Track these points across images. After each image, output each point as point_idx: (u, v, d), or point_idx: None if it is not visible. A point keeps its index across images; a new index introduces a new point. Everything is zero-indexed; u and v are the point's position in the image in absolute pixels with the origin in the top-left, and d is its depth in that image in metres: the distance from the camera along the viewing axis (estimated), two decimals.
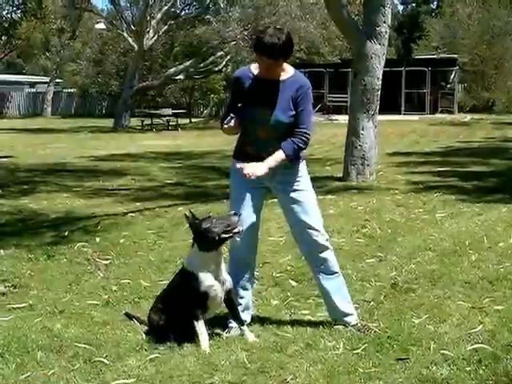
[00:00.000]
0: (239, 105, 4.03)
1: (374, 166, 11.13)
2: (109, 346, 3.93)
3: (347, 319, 4.17)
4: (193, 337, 3.89)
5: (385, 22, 10.73)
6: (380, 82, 10.86)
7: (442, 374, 3.50)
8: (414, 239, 6.63)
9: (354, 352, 3.79)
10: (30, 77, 49.81)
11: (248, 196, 4.11)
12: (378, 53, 10.75)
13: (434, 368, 3.57)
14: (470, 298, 4.75)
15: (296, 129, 4.00)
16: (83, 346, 3.91)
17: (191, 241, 3.99)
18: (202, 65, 29.98)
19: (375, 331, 4.10)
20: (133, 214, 8.21)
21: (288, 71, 4.01)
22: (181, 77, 29.64)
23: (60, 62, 42.74)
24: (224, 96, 36.74)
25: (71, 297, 4.94)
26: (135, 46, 28.01)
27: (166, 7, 28.69)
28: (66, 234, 7.09)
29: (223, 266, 4.00)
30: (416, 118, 28.31)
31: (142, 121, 26.55)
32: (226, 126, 4.01)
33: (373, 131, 10.94)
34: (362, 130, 10.83)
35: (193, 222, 3.93)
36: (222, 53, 29.69)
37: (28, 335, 4.09)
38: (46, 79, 44.59)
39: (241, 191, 4.12)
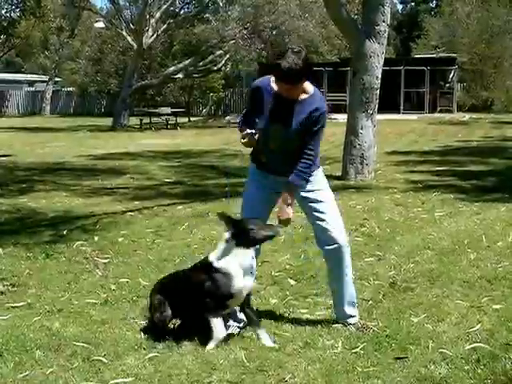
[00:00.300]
0: (255, 116, 4.07)
1: (373, 165, 11.13)
2: (107, 344, 3.93)
3: (349, 320, 4.21)
4: (200, 331, 3.88)
5: (384, 21, 10.74)
6: (379, 81, 10.86)
7: (440, 373, 3.50)
8: (413, 238, 6.63)
9: (353, 351, 3.79)
10: (28, 75, 49.77)
11: (260, 198, 4.19)
12: (377, 52, 10.75)
13: (433, 367, 3.57)
14: (469, 297, 4.75)
15: (304, 150, 4.02)
16: (82, 344, 3.91)
17: (226, 238, 3.94)
18: (201, 64, 29.95)
19: (374, 330, 4.10)
20: (131, 213, 8.21)
21: (308, 90, 3.99)
22: (180, 76, 29.63)
23: (59, 61, 42.75)
24: (223, 95, 36.78)
25: (70, 295, 4.93)
26: (134, 44, 27.98)
27: (165, 6, 28.68)
28: (65, 232, 7.09)
29: (254, 264, 4.02)
30: (415, 117, 28.33)
31: (141, 120, 26.53)
32: (245, 140, 4.07)
33: (372, 130, 10.95)
34: (361, 128, 10.84)
35: (235, 220, 3.97)
36: (221, 52, 29.67)
37: (26, 334, 4.09)
38: (45, 78, 44.59)
39: (254, 194, 4.22)
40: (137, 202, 9.02)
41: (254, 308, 4.20)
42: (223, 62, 30.37)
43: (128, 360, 3.71)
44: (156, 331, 4.02)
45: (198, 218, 7.85)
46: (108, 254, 6.17)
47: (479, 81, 33.23)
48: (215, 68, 30.94)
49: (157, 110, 28.12)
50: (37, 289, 5.11)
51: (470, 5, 35.08)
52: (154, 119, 27.09)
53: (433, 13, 50.13)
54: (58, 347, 3.89)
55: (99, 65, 37.19)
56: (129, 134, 24.09)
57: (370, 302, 4.68)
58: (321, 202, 4.14)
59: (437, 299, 4.74)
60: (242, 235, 3.88)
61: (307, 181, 4.09)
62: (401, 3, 60.45)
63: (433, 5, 56.82)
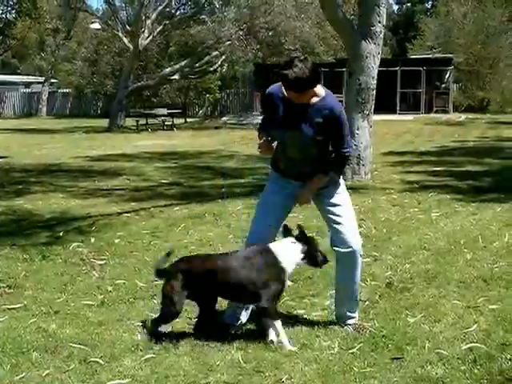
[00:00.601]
0: (270, 124, 4.11)
1: (369, 166, 11.14)
2: (104, 346, 3.92)
3: (349, 321, 4.23)
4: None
5: (380, 22, 10.75)
6: (375, 82, 10.87)
7: (436, 374, 3.51)
8: (409, 238, 6.64)
9: (349, 351, 3.80)
10: (24, 77, 49.64)
11: (273, 201, 4.20)
12: (373, 52, 10.76)
13: (429, 367, 3.58)
14: (465, 298, 4.76)
15: (335, 152, 4.11)
16: (78, 346, 3.91)
17: (293, 237, 4.06)
18: (197, 65, 29.92)
19: (370, 331, 4.11)
20: (128, 214, 8.20)
21: (319, 93, 3.99)
22: (176, 77, 29.60)
23: (55, 62, 42.64)
24: (219, 96, 36.74)
25: (66, 297, 4.93)
26: (130, 46, 27.97)
27: (160, 7, 28.67)
28: (61, 234, 7.08)
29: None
30: (411, 117, 28.33)
31: (137, 121, 26.50)
32: (262, 150, 4.15)
33: (368, 131, 10.95)
34: (357, 129, 10.84)
35: (311, 238, 4.15)
36: (217, 53, 29.64)
37: (23, 336, 4.09)
38: (41, 79, 44.46)
39: (268, 197, 4.26)
40: (133, 204, 9.01)
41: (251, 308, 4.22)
42: (219, 62, 30.35)
43: (125, 361, 3.71)
44: (164, 316, 4.00)
45: (194, 219, 7.85)
46: (104, 255, 6.16)
47: (475, 81, 33.30)
48: (211, 69, 30.91)
49: (153, 111, 28.11)
50: (33, 290, 5.11)
51: (466, 5, 35.17)
52: (151, 120, 27.08)
53: (429, 13, 50.15)
54: (55, 349, 3.89)
55: (95, 66, 37.16)
56: (125, 135, 24.07)
57: (367, 302, 4.68)
58: (338, 205, 4.18)
59: (433, 299, 4.75)
60: (310, 253, 4.06)
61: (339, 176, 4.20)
62: (397, 4, 60.52)
63: (429, 5, 56.89)
